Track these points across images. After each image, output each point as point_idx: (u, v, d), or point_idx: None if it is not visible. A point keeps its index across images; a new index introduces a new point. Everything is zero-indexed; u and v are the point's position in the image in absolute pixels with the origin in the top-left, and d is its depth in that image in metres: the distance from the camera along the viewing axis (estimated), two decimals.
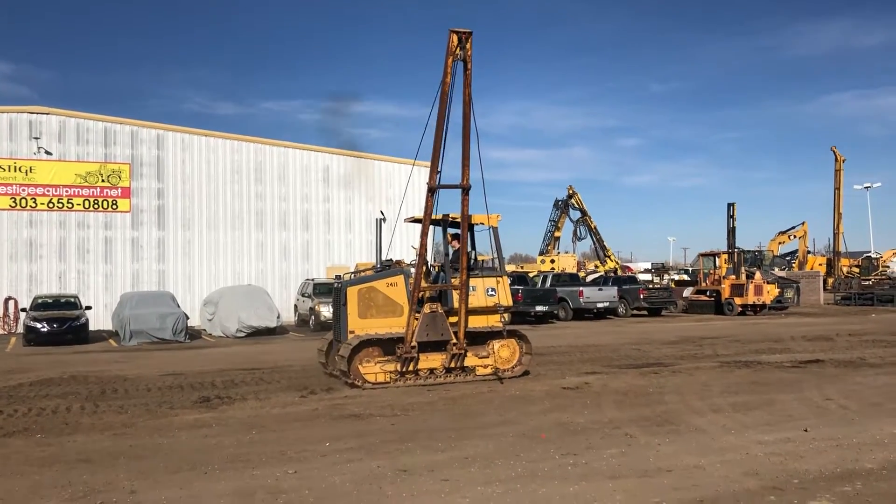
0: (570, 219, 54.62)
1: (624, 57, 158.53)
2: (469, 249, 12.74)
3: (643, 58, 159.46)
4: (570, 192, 53.94)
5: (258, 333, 22.95)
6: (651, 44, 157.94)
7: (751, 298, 31.15)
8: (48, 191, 27.08)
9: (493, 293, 12.54)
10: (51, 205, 27.11)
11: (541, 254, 54.43)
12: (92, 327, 23.35)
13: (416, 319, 11.78)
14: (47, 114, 27.38)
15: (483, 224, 12.90)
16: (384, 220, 11.82)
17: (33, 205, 26.89)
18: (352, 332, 11.92)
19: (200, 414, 9.95)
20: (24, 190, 26.76)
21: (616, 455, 7.43)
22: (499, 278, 12.75)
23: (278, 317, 23.76)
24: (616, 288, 30.85)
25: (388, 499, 6.10)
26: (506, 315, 12.95)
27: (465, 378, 12.15)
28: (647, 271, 60.76)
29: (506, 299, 12.69)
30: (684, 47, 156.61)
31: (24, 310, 23.35)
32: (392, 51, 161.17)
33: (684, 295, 34.47)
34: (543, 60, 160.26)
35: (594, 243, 54.00)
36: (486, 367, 12.36)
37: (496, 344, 12.47)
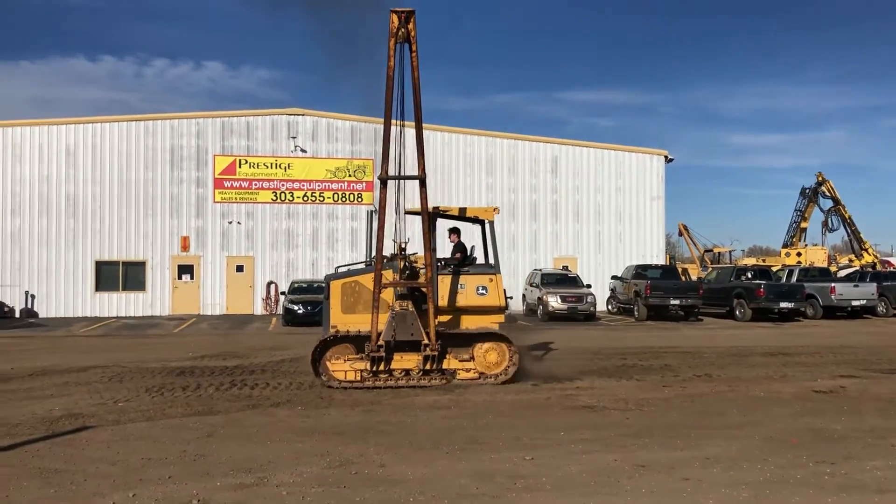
0: (820, 208, 50.04)
1: (886, 27, 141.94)
2: (470, 245, 12.39)
3: None
4: (820, 178, 49.41)
5: None
6: None
7: None
8: (303, 185, 29.75)
9: (483, 292, 11.67)
10: (305, 198, 29.77)
11: (784, 246, 50.48)
12: None
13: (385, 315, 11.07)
14: (302, 115, 30.07)
15: (479, 217, 12.36)
16: (376, 212, 11.36)
17: (291, 198, 29.68)
18: (334, 328, 11.41)
19: (440, 396, 10.43)
20: (283, 185, 29.62)
21: (882, 467, 6.72)
22: (492, 276, 11.78)
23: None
24: (875, 284, 27.96)
25: (627, 493, 5.99)
26: (500, 316, 11.82)
27: (446, 381, 11.21)
28: None
29: (498, 299, 11.71)
30: None
31: (282, 293, 25.92)
32: (611, 35, 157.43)
33: None
34: (789, 37, 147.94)
35: (848, 235, 49.02)
36: (468, 370, 11.38)
37: (482, 347, 11.46)
